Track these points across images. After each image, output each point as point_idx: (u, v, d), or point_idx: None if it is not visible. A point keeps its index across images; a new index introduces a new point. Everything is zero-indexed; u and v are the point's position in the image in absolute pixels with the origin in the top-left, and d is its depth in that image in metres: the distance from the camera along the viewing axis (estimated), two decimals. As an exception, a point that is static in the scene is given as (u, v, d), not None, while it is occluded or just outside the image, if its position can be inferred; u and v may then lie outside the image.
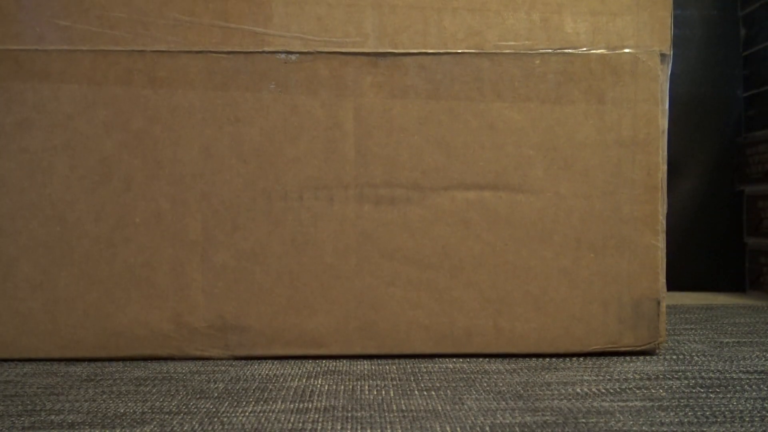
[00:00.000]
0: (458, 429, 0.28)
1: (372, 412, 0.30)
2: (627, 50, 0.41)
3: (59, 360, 0.40)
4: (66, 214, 0.40)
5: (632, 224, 0.41)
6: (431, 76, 0.41)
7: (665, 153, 0.41)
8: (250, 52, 0.40)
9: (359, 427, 0.28)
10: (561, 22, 0.41)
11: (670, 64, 0.41)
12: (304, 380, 0.36)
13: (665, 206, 0.41)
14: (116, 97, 0.40)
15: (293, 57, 0.40)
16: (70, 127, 0.40)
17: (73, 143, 0.40)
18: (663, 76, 0.41)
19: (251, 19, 0.40)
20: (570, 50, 0.41)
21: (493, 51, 0.41)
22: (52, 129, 0.40)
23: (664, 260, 0.41)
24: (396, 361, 0.40)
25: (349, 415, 0.30)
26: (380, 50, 0.41)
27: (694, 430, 0.28)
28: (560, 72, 0.41)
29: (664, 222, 0.41)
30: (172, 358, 0.41)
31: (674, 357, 0.41)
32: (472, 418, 0.29)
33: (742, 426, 0.28)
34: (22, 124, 0.40)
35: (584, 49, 0.41)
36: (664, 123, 0.41)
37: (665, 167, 0.41)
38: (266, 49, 0.40)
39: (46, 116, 0.40)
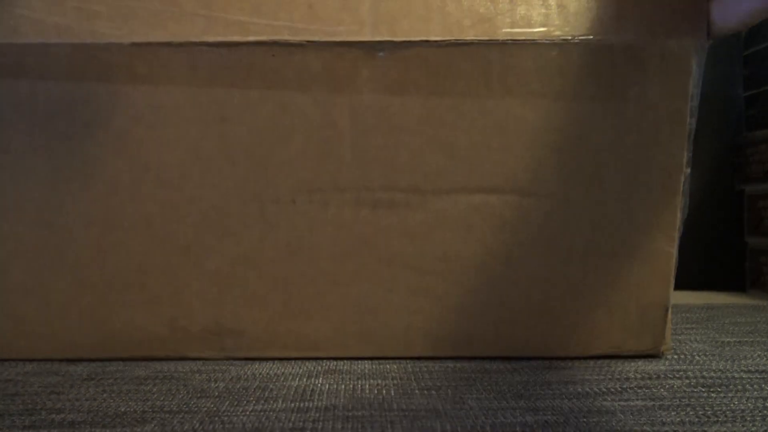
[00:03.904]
0: (459, 428, 0.28)
1: (372, 412, 0.30)
2: (655, 40, 0.37)
3: (58, 360, 0.40)
4: (53, 219, 0.39)
5: (646, 231, 0.39)
6: (434, 70, 0.38)
7: (689, 155, 0.38)
8: (236, 43, 0.38)
9: (360, 427, 0.28)
10: (580, 8, 0.37)
11: (705, 57, 0.37)
12: (304, 379, 0.36)
13: (685, 211, 0.39)
14: (96, 94, 0.39)
15: (282, 48, 0.38)
16: (50, 127, 0.39)
17: (53, 144, 0.39)
18: (696, 69, 0.37)
19: (237, 7, 0.38)
20: (591, 39, 0.37)
21: (504, 40, 0.38)
22: (32, 129, 0.39)
23: (676, 266, 0.39)
24: (397, 360, 0.40)
25: (350, 414, 0.30)
26: (377, 38, 0.38)
27: (695, 429, 0.28)
28: (579, 65, 0.38)
29: (682, 228, 0.39)
30: (168, 359, 0.40)
31: (675, 356, 0.41)
32: (473, 418, 0.29)
33: (743, 425, 0.28)
34: (0, 123, 0.39)
35: (607, 38, 0.37)
36: (692, 123, 0.38)
37: (688, 170, 0.38)
38: (252, 38, 0.38)
39: (24, 115, 0.39)
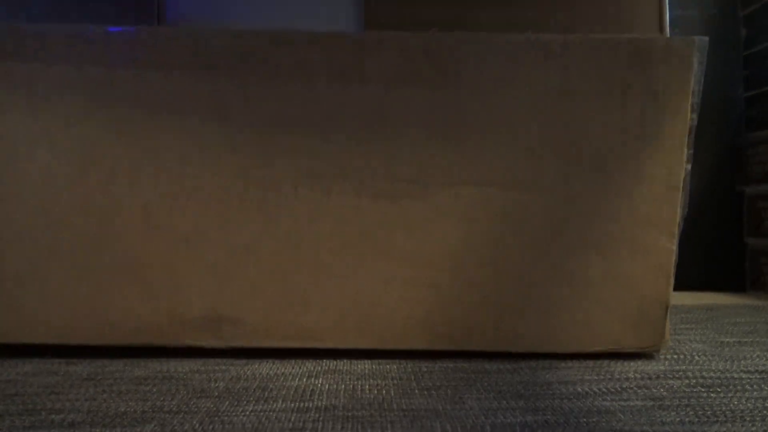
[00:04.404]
0: (459, 428, 0.28)
1: (372, 412, 0.30)
2: (659, 35, 0.39)
3: (59, 352, 0.40)
4: (50, 206, 0.39)
5: (648, 226, 0.39)
6: (438, 63, 0.38)
7: (691, 152, 0.38)
8: (238, 32, 0.38)
9: (360, 427, 0.28)
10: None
11: (705, 54, 0.38)
12: (304, 379, 0.36)
13: (686, 208, 0.39)
14: (95, 79, 0.38)
15: (284, 39, 0.38)
16: (48, 111, 0.39)
17: (51, 130, 0.39)
18: (697, 66, 0.38)
19: None
20: (594, 34, 0.38)
21: (507, 33, 0.38)
22: (29, 114, 0.39)
23: (676, 263, 0.40)
24: (396, 360, 0.40)
25: (350, 414, 0.30)
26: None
27: (695, 429, 0.28)
28: (583, 60, 0.38)
29: (682, 224, 0.39)
30: (166, 347, 0.40)
31: (675, 356, 0.41)
32: (473, 418, 0.29)
33: (743, 425, 0.28)
34: None
35: (610, 33, 0.38)
36: (693, 119, 0.38)
37: (689, 167, 0.39)
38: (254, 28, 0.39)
39: (20, 99, 0.38)
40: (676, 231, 0.39)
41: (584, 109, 0.39)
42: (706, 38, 0.38)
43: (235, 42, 0.39)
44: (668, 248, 0.39)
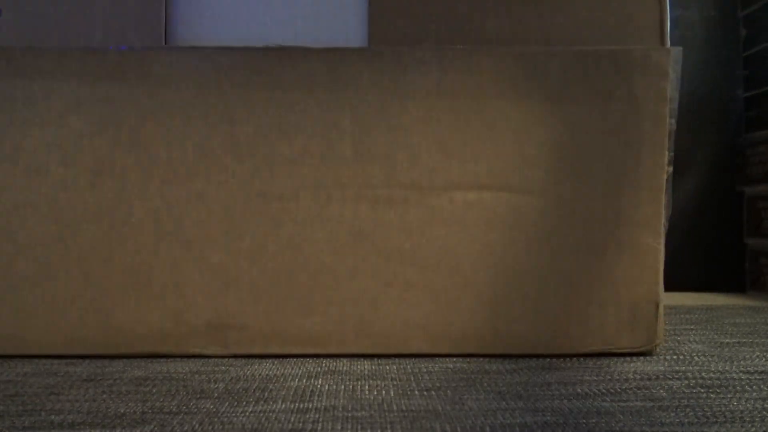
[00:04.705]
0: (458, 429, 0.28)
1: (372, 412, 0.30)
2: (637, 46, 0.40)
3: (61, 357, 0.40)
4: (62, 214, 0.40)
5: (634, 227, 0.40)
6: (430, 73, 0.40)
7: (671, 155, 0.40)
8: (244, 47, 0.40)
9: (359, 427, 0.28)
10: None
11: (680, 64, 0.40)
12: (304, 380, 0.36)
13: (669, 209, 0.40)
14: (107, 95, 0.40)
15: (287, 53, 0.40)
16: (63, 125, 0.40)
17: (66, 142, 0.40)
18: (673, 75, 0.40)
19: None
20: (577, 46, 0.40)
21: (496, 46, 0.40)
22: (45, 127, 0.40)
23: (663, 262, 0.41)
24: (396, 361, 0.40)
25: (350, 415, 0.30)
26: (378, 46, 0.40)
27: (694, 430, 0.28)
28: (566, 68, 0.40)
29: (667, 224, 0.40)
30: (171, 356, 0.41)
31: (674, 357, 0.41)
32: (473, 419, 0.29)
33: (742, 426, 0.28)
34: (14, 122, 0.40)
35: (592, 44, 0.40)
36: (672, 124, 0.40)
37: (671, 169, 0.40)
38: (259, 44, 0.40)
39: (38, 114, 0.40)
40: (662, 231, 0.40)
41: (569, 115, 0.40)
42: (680, 48, 0.40)
43: (241, 57, 0.40)
44: (655, 248, 0.40)
